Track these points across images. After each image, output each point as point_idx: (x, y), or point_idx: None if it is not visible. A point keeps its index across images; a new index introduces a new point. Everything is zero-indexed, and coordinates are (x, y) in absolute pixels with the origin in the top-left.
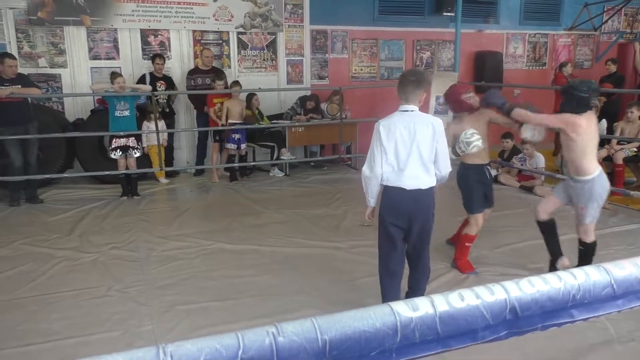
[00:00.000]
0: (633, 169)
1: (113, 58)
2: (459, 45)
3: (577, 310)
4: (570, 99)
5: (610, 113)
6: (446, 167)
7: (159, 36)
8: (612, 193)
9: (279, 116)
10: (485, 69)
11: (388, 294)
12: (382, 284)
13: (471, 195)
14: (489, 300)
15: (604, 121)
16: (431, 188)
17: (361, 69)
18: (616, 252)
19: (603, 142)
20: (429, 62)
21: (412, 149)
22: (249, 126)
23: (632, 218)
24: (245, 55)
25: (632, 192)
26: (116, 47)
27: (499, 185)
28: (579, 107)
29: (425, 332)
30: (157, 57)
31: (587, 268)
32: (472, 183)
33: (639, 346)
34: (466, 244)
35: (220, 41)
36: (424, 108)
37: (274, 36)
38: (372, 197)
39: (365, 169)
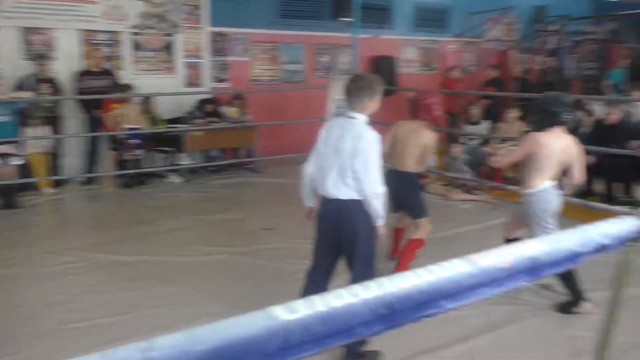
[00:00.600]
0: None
1: None
2: (357, 49)
3: (446, 301)
4: (537, 113)
5: (492, 115)
6: (371, 185)
7: (44, 35)
8: (493, 188)
9: (176, 120)
10: (382, 73)
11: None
12: (302, 291)
13: (422, 200)
14: (365, 297)
15: (485, 122)
16: (356, 201)
17: (262, 73)
18: (497, 243)
19: (486, 142)
20: (329, 66)
21: (337, 158)
22: (146, 131)
23: (511, 210)
24: (141, 57)
25: (509, 187)
26: None
27: None
28: (545, 122)
29: (304, 334)
30: (41, 57)
31: (455, 260)
32: (419, 189)
33: (517, 327)
34: (416, 249)
35: (112, 42)
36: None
37: (171, 38)
38: (305, 196)
39: (305, 167)
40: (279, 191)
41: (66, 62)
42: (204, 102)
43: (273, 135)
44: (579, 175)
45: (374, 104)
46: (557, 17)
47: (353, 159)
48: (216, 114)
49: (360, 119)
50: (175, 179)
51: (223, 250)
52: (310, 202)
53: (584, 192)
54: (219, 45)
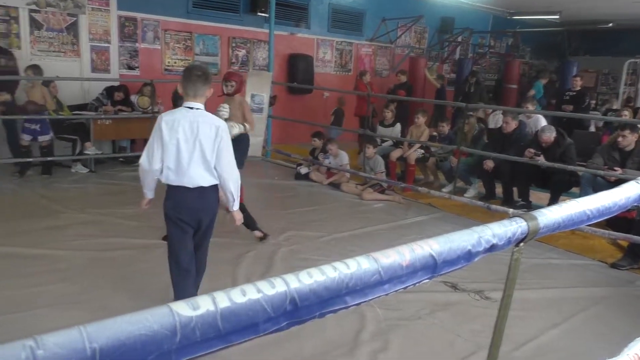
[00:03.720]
0: (421, 168)
1: None
2: (273, 45)
3: (350, 297)
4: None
5: (403, 118)
6: (229, 170)
7: None
8: (404, 189)
9: (82, 107)
10: (298, 71)
11: (181, 290)
12: (176, 285)
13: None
14: (270, 294)
15: (398, 125)
16: (214, 186)
17: (175, 62)
18: (408, 241)
19: (397, 144)
20: (244, 60)
21: (195, 148)
22: (46, 117)
23: (421, 211)
24: (40, 37)
25: (419, 188)
26: None
27: (309, 182)
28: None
29: (206, 330)
30: None
31: (358, 258)
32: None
33: (425, 322)
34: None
35: (8, 18)
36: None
37: (74, 18)
38: (150, 190)
39: (143, 162)
40: None
41: None
42: (112, 89)
43: None
44: None
45: (209, 92)
46: (462, 29)
47: (217, 146)
48: (126, 103)
49: (202, 107)
50: (80, 169)
51: (130, 245)
52: (152, 194)
53: (486, 196)
54: (129, 30)
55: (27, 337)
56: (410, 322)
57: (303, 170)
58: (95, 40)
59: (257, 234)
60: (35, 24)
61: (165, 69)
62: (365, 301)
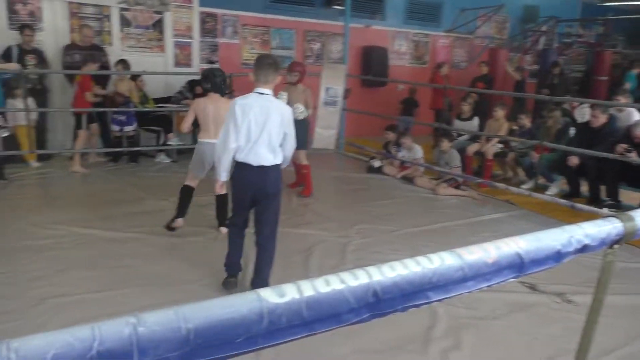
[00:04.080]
0: (499, 164)
1: None
2: (348, 38)
3: (433, 292)
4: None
5: (482, 111)
6: (290, 151)
7: (29, 5)
8: (480, 185)
9: (166, 99)
10: (372, 64)
11: (232, 244)
12: (229, 237)
13: None
14: (353, 285)
15: (476, 118)
16: (276, 165)
17: (252, 56)
18: (483, 239)
19: (475, 138)
20: (319, 53)
21: (263, 130)
22: (132, 109)
23: (498, 208)
24: (129, 33)
25: (497, 184)
26: None
27: (382, 175)
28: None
29: (291, 317)
30: (26, 27)
31: (442, 253)
32: None
33: (500, 323)
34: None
35: (101, 16)
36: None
37: (160, 15)
38: (225, 171)
39: (220, 142)
40: None
41: (52, 35)
42: (193, 82)
43: None
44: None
45: (278, 80)
46: (547, 18)
47: (284, 130)
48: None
49: (271, 93)
50: (163, 159)
51: (209, 231)
52: (226, 176)
53: (570, 194)
54: (209, 26)
55: (128, 315)
56: (484, 321)
57: (376, 163)
58: (179, 36)
59: (223, 230)
60: (124, 22)
61: (243, 63)
62: (447, 297)
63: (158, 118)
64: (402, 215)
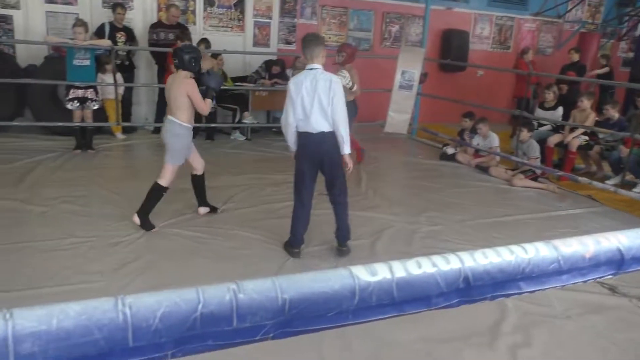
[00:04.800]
0: (583, 157)
1: (70, 3)
2: (428, 21)
3: (525, 283)
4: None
5: (570, 102)
6: (340, 116)
7: None
8: (561, 178)
9: (243, 78)
10: (452, 48)
11: (297, 220)
12: (294, 212)
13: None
14: (444, 269)
15: (560, 108)
16: (333, 132)
17: (330, 37)
18: (561, 235)
19: (557, 129)
20: (397, 35)
21: (314, 99)
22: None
23: (578, 203)
24: (212, 13)
25: (579, 178)
26: None
27: (455, 163)
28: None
29: (382, 296)
30: (119, 6)
31: (537, 243)
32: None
33: (575, 323)
34: None
35: None
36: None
37: None
38: (292, 143)
39: (283, 119)
40: None
41: (141, 13)
42: (270, 63)
43: None
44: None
45: (324, 53)
46: None
47: (332, 96)
48: (282, 76)
49: (320, 67)
50: (239, 136)
51: (275, 208)
52: (294, 146)
53: None
54: (289, 6)
55: (230, 282)
56: (557, 320)
57: (450, 150)
58: (259, 16)
59: (201, 210)
60: (208, 1)
61: None
62: (540, 289)
63: (235, 96)
64: (474, 205)
